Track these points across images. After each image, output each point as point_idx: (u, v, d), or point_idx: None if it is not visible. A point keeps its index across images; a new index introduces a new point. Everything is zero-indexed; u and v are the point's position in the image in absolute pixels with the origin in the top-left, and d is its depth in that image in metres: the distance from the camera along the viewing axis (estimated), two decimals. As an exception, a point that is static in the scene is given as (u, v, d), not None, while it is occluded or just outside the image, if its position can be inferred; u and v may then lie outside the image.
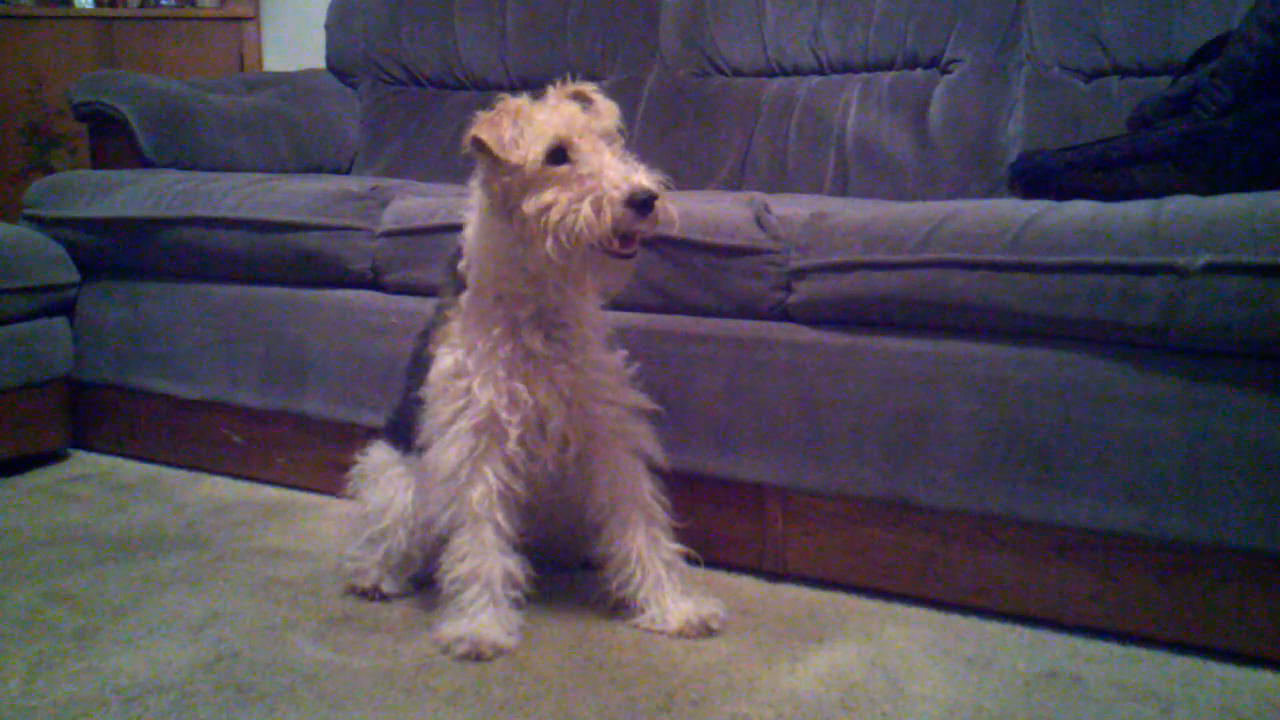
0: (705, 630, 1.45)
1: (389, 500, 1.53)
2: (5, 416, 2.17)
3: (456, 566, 1.41)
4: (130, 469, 2.26)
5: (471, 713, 1.24)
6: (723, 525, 1.70)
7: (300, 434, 2.10)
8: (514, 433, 1.40)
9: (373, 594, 1.56)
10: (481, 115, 1.34)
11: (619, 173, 1.26)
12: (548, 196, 1.28)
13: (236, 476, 2.19)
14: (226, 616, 1.50)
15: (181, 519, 1.94)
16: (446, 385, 1.42)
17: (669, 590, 1.47)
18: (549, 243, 1.27)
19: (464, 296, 1.44)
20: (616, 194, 1.24)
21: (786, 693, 1.30)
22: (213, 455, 2.23)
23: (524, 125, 1.31)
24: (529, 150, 1.29)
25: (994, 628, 1.49)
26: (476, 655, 1.37)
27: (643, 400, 1.51)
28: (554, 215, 1.27)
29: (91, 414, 2.37)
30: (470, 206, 1.44)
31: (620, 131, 1.37)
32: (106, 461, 2.31)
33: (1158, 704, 1.28)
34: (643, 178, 1.26)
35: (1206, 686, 1.32)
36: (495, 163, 1.33)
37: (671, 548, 1.49)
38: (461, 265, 1.44)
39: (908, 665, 1.37)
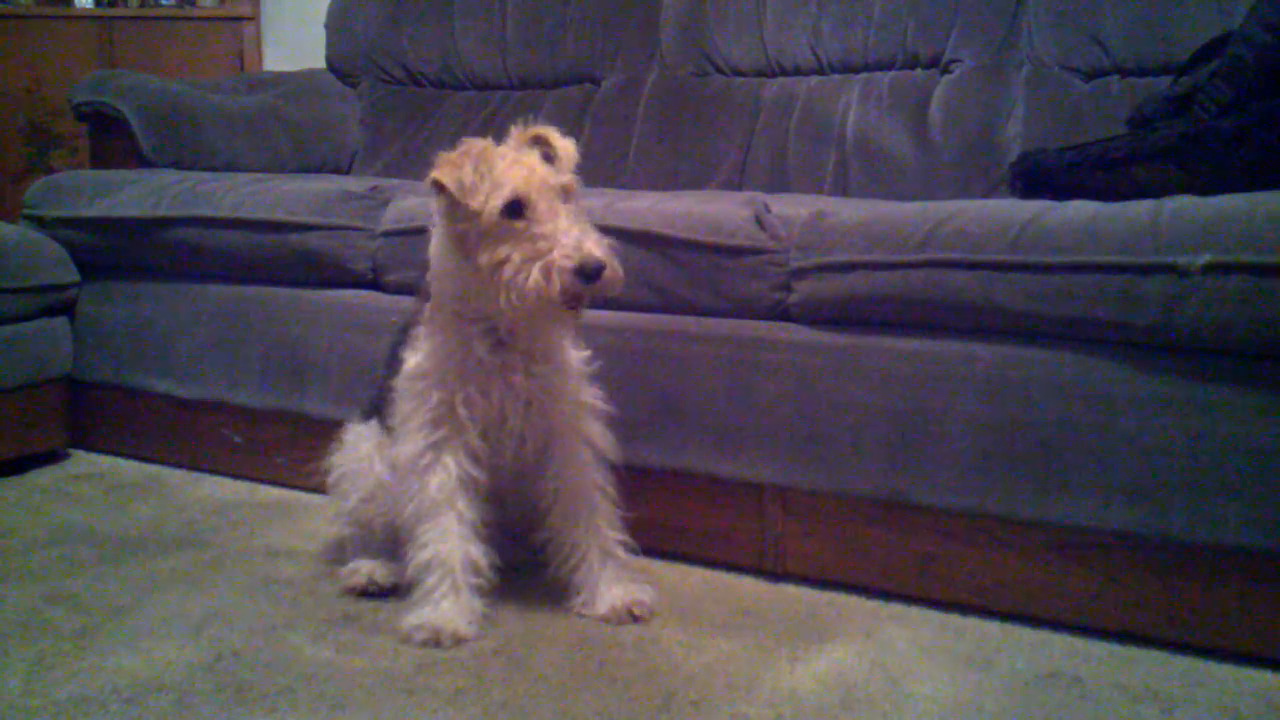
0: (630, 617, 1.48)
1: (371, 493, 1.56)
2: (5, 416, 2.17)
3: (419, 554, 1.45)
4: (130, 469, 2.26)
5: (471, 713, 1.24)
6: (723, 525, 1.70)
7: (300, 434, 2.10)
8: (475, 428, 1.45)
9: (369, 588, 1.57)
10: (443, 156, 1.38)
11: (572, 240, 1.30)
12: (502, 252, 1.33)
13: (236, 476, 2.19)
14: (226, 616, 1.50)
15: (181, 519, 1.94)
16: (408, 386, 1.48)
17: (601, 577, 1.50)
18: (501, 297, 1.33)
19: (427, 305, 1.49)
20: (567, 263, 1.29)
21: (786, 693, 1.30)
22: (213, 455, 2.23)
23: (484, 170, 1.34)
24: (488, 201, 1.33)
25: (994, 628, 1.49)
26: (435, 643, 1.40)
27: (598, 399, 1.54)
28: (507, 272, 1.32)
29: (91, 414, 2.37)
30: (434, 223, 1.47)
31: (575, 179, 1.41)
32: (106, 461, 2.31)
33: (1158, 704, 1.28)
34: (593, 246, 1.31)
35: (1206, 686, 1.32)
36: (454, 204, 1.36)
37: (611, 537, 1.52)
38: (427, 277, 1.49)
39: (908, 665, 1.37)
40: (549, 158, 1.41)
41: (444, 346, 1.46)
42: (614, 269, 1.33)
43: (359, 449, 1.60)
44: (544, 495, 1.53)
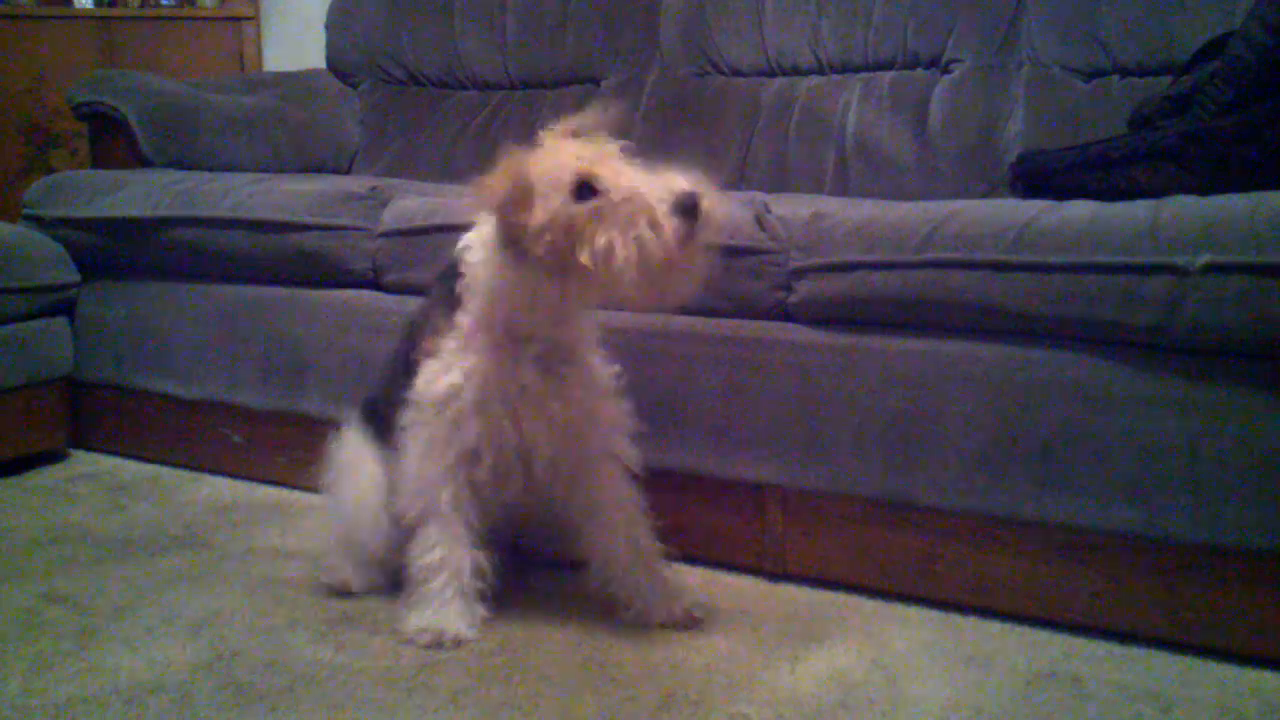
0: (690, 620, 1.47)
1: (359, 503, 1.53)
2: (5, 416, 2.17)
3: (425, 555, 1.44)
4: (130, 469, 2.26)
5: (471, 713, 1.24)
6: (723, 525, 1.70)
7: (300, 434, 2.10)
8: (487, 461, 1.41)
9: (341, 590, 1.57)
10: (484, 182, 1.28)
11: (655, 188, 1.22)
12: (600, 241, 1.23)
13: (236, 476, 2.19)
14: (226, 616, 1.50)
15: (181, 519, 1.94)
16: (439, 408, 1.41)
17: (649, 585, 1.48)
18: (625, 279, 1.22)
19: (463, 320, 1.42)
20: (664, 207, 1.21)
21: (786, 693, 1.30)
22: (213, 455, 2.23)
23: (533, 178, 1.26)
24: (551, 201, 1.24)
25: (994, 628, 1.49)
26: (437, 645, 1.39)
27: (629, 419, 1.50)
28: (618, 256, 1.22)
29: (91, 414, 2.37)
30: (479, 240, 1.40)
31: (625, 149, 1.33)
32: (106, 461, 2.31)
33: (1158, 704, 1.28)
34: (681, 182, 1.23)
35: (1206, 686, 1.32)
36: (513, 224, 1.28)
37: (651, 548, 1.50)
38: (459, 286, 1.41)
39: (908, 665, 1.37)
40: None
41: (484, 368, 1.39)
42: (711, 201, 1.24)
43: (359, 480, 1.54)
44: (578, 509, 1.50)
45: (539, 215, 1.25)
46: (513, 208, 1.26)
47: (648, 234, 1.20)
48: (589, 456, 1.48)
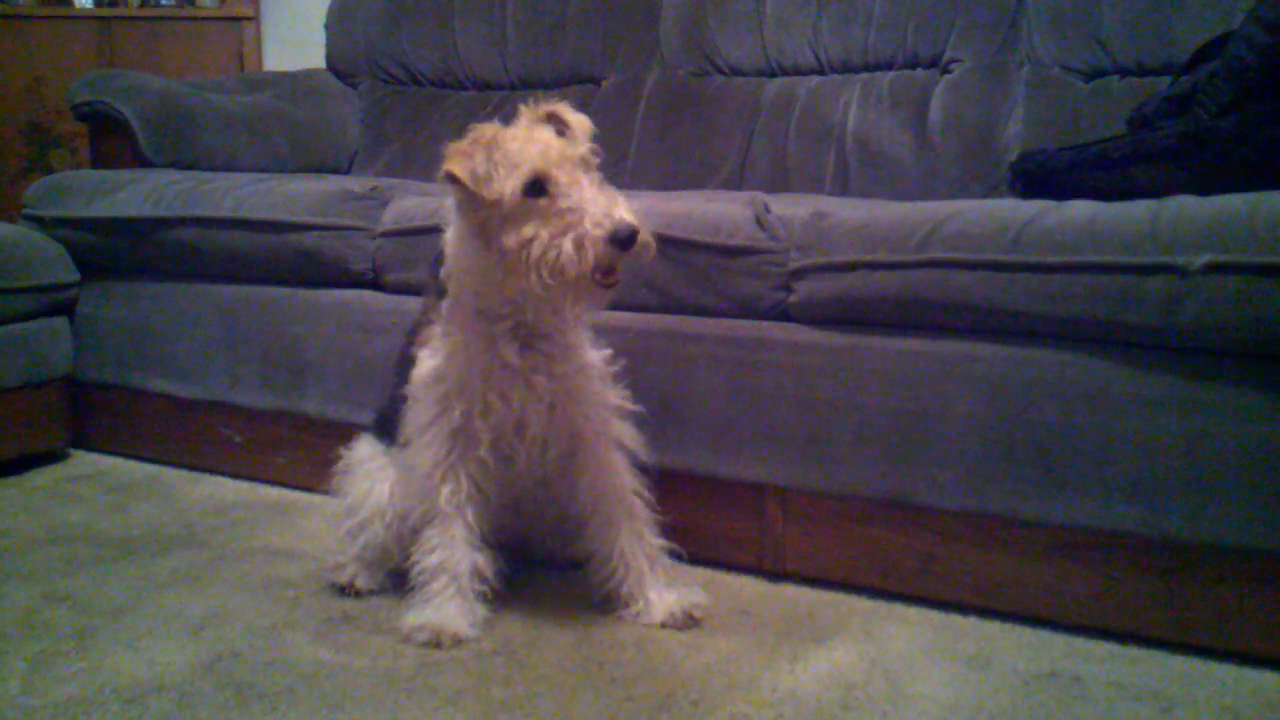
0: (690, 620, 1.47)
1: (367, 493, 1.55)
2: (5, 416, 2.17)
3: (426, 558, 1.45)
4: (130, 469, 2.26)
5: (471, 713, 1.24)
6: (723, 525, 1.70)
7: (300, 434, 2.10)
8: (486, 439, 1.43)
9: (348, 589, 1.57)
10: (452, 147, 1.32)
11: (600, 208, 1.25)
12: (528, 231, 1.27)
13: (236, 476, 2.19)
14: (226, 616, 1.50)
15: (181, 519, 1.94)
16: (426, 390, 1.45)
17: (651, 584, 1.49)
18: (531, 277, 1.27)
19: (444, 303, 1.45)
20: (599, 232, 1.24)
21: (786, 693, 1.30)
22: (213, 455, 2.23)
23: (498, 157, 1.29)
24: (505, 185, 1.28)
25: (994, 628, 1.49)
26: (436, 644, 1.40)
27: (624, 400, 1.51)
28: (535, 250, 1.26)
29: (91, 414, 2.37)
30: (450, 216, 1.43)
31: (594, 152, 1.36)
32: (106, 461, 2.32)
33: (1158, 704, 1.28)
34: (624, 212, 1.26)
35: (1206, 686, 1.32)
36: (472, 195, 1.31)
37: (654, 543, 1.51)
38: (443, 272, 1.44)
39: (908, 665, 1.37)
40: (561, 134, 1.36)
41: (465, 349, 1.42)
42: (646, 234, 1.28)
43: (369, 476, 1.56)
44: (581, 504, 1.50)
45: (490, 192, 1.28)
46: (472, 178, 1.29)
47: (570, 249, 1.24)
48: (583, 436, 1.48)
